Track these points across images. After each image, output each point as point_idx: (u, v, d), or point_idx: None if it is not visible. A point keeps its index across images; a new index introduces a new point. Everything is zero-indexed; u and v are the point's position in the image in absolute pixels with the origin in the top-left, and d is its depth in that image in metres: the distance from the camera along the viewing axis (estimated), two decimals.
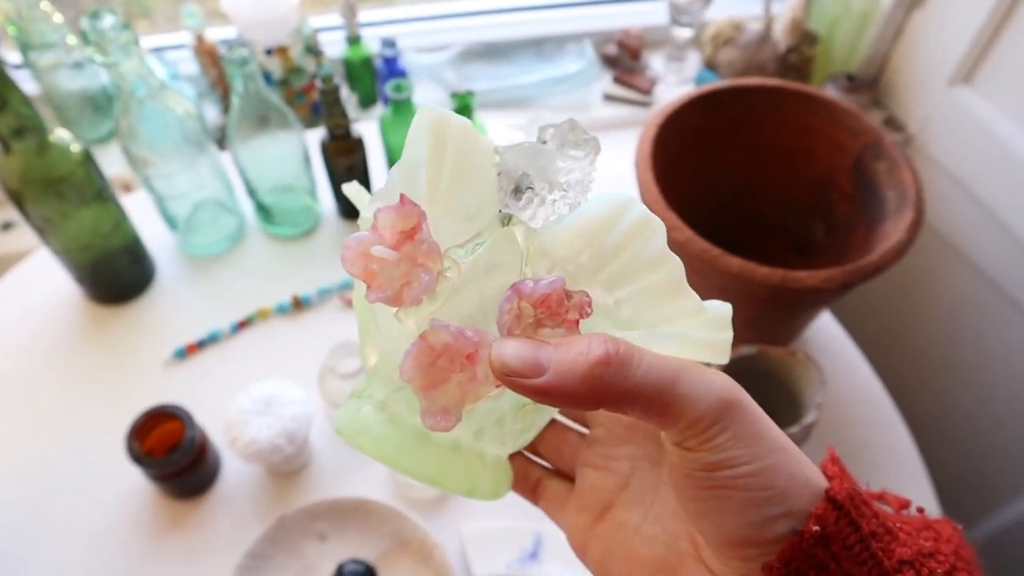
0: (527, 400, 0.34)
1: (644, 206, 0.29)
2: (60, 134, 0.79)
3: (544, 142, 0.29)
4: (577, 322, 0.29)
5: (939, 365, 1.39)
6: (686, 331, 0.31)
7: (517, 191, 0.29)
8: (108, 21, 0.75)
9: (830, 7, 1.19)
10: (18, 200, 0.80)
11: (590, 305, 0.29)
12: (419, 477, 0.35)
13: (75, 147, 0.80)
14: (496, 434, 0.36)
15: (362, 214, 0.32)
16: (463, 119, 0.30)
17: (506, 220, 0.30)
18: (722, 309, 0.32)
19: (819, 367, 0.71)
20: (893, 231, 0.72)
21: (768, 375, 0.75)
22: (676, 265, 0.30)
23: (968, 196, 1.15)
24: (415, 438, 0.35)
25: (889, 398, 0.88)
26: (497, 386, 0.28)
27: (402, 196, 0.28)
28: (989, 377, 1.27)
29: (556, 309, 0.28)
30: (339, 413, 0.35)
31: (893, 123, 1.24)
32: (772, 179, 0.88)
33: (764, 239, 0.91)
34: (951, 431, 1.42)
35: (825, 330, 0.92)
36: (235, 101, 0.84)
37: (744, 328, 0.79)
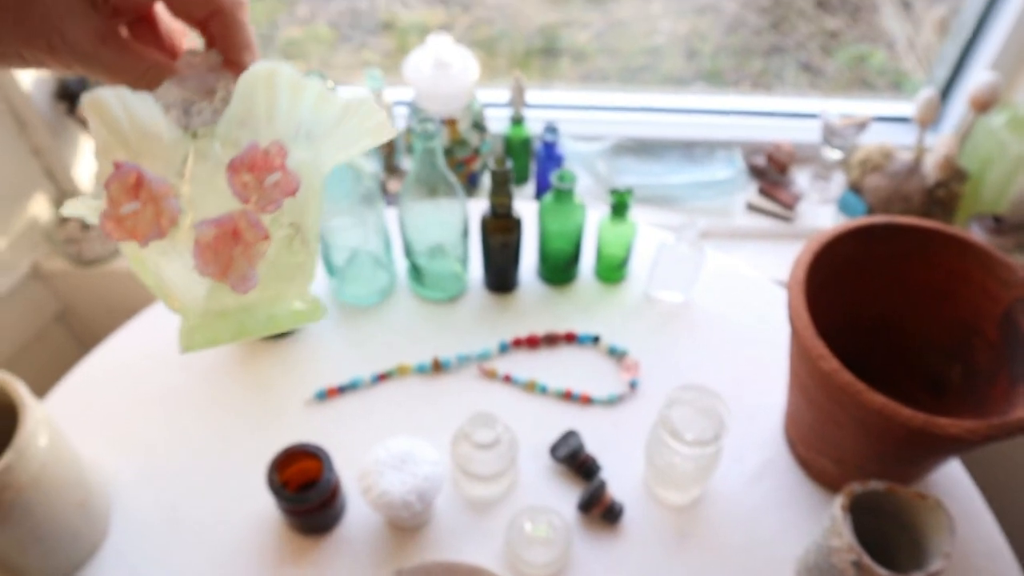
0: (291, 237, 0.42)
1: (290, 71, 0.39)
2: None
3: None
4: (283, 163, 0.38)
5: None
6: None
7: (186, 112, 0.39)
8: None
9: (984, 147, 1.20)
10: None
11: (284, 146, 0.38)
12: (252, 333, 0.42)
13: None
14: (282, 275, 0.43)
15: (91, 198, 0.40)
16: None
17: (193, 134, 0.39)
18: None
19: (950, 515, 0.71)
20: None
21: (893, 514, 0.75)
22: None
23: None
24: (230, 315, 0.42)
25: (1012, 555, 0.87)
26: (264, 239, 0.38)
27: (114, 163, 0.37)
28: None
29: (264, 163, 0.38)
30: (179, 341, 0.42)
31: None
32: (914, 316, 0.89)
33: (898, 373, 0.92)
34: None
35: (950, 475, 0.91)
36: (412, 167, 0.90)
37: (872, 462, 0.80)
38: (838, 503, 0.72)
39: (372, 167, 0.92)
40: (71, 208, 0.40)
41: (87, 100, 0.37)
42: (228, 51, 0.41)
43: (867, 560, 0.69)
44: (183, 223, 0.38)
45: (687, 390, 0.80)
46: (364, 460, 0.82)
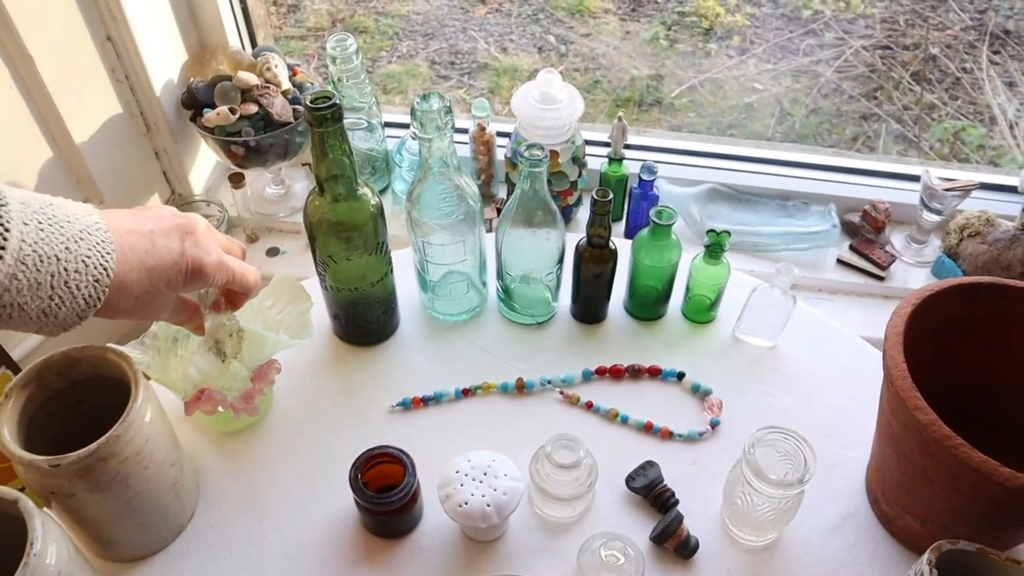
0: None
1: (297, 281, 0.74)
2: (364, 189, 0.90)
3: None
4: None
5: None
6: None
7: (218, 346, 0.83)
8: (435, 104, 0.86)
9: None
10: (312, 235, 0.91)
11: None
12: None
13: (374, 202, 0.91)
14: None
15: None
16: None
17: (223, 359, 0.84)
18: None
19: None
20: None
21: None
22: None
23: None
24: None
25: None
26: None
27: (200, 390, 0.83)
28: None
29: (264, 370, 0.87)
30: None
31: None
32: (1013, 383, 0.87)
33: (993, 443, 0.90)
34: None
35: None
36: (517, 193, 0.92)
37: (962, 523, 0.79)
38: (925, 559, 0.71)
39: (475, 189, 0.95)
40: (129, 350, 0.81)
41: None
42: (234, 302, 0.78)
43: None
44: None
45: (773, 431, 0.80)
46: (445, 468, 0.83)
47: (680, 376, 0.99)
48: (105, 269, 0.56)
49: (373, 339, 1.04)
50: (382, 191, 1.40)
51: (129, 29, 1.21)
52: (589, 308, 1.05)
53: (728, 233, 0.95)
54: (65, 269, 0.54)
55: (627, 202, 1.28)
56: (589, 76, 2.40)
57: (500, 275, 1.02)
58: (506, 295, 1.04)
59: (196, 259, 0.64)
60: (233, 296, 0.76)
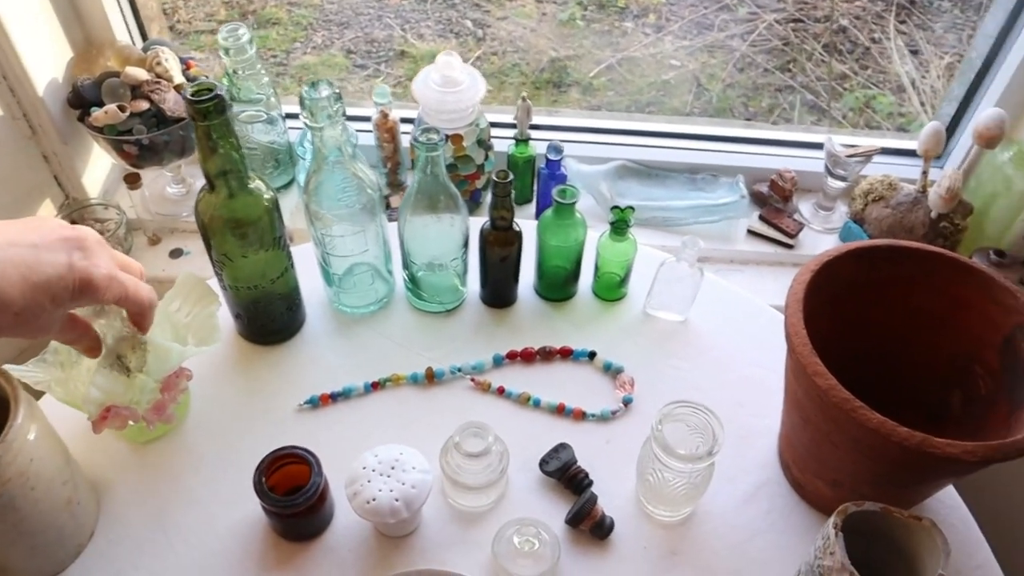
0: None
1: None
2: (257, 183, 0.87)
3: None
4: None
5: None
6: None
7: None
8: (324, 91, 0.83)
9: (989, 182, 1.20)
10: (206, 234, 0.88)
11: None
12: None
13: (267, 196, 0.87)
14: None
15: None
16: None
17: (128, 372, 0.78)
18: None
19: (945, 538, 0.70)
20: None
21: (887, 537, 0.74)
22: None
23: None
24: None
25: None
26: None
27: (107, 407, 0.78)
28: None
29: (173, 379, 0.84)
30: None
31: None
32: (915, 343, 0.88)
33: (896, 401, 0.91)
34: None
35: (945, 499, 0.90)
36: (414, 178, 0.90)
37: (867, 484, 0.79)
38: (831, 521, 0.71)
39: (373, 177, 0.92)
40: (18, 371, 0.77)
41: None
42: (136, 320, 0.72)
43: None
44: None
45: (681, 406, 0.79)
46: (352, 465, 0.81)
47: (591, 355, 0.98)
48: None
49: (278, 337, 1.01)
50: (287, 184, 1.36)
51: (2, 26, 1.15)
52: (498, 292, 1.03)
53: (632, 209, 0.94)
54: None
55: (536, 183, 1.26)
56: (507, 59, 2.38)
57: (405, 264, 1.00)
58: (413, 284, 1.02)
59: (84, 273, 0.61)
60: (132, 317, 0.71)
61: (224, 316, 0.98)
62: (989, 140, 1.13)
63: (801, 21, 2.40)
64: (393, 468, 0.80)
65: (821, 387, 0.71)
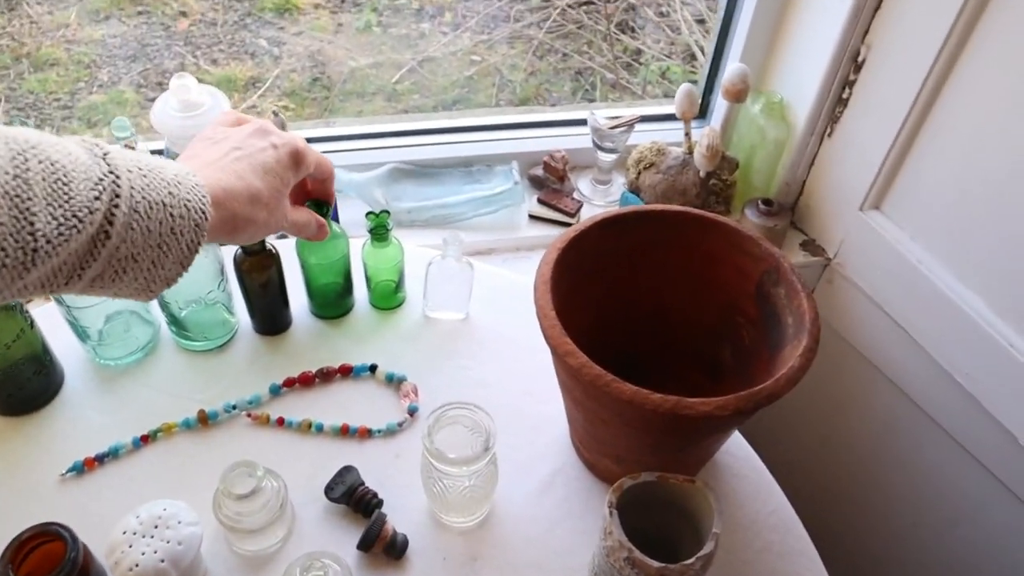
0: None
1: None
2: None
3: None
4: None
5: (858, 490, 1.38)
6: None
7: None
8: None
9: (747, 136, 1.24)
10: None
11: None
12: None
13: None
14: None
15: None
16: None
17: None
18: None
19: (716, 495, 0.70)
20: (790, 356, 0.73)
21: (671, 504, 0.74)
22: None
23: (885, 317, 1.17)
24: None
25: (800, 525, 0.87)
26: None
27: None
28: (910, 499, 1.27)
29: None
30: None
31: (812, 247, 1.27)
32: (683, 303, 0.89)
33: (679, 362, 0.92)
34: (864, 559, 1.41)
35: (737, 452, 0.91)
36: None
37: (647, 455, 0.79)
38: (607, 500, 0.70)
39: None
40: None
41: None
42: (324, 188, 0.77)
43: (638, 555, 0.67)
44: None
45: (451, 408, 0.77)
46: (112, 532, 0.75)
47: (372, 369, 0.95)
48: (203, 213, 0.54)
49: (31, 405, 0.92)
50: None
51: None
52: (268, 320, 0.98)
53: (388, 212, 0.91)
54: (171, 215, 0.52)
55: None
56: (307, 75, 2.32)
57: (162, 306, 0.93)
58: (176, 325, 0.95)
59: (289, 145, 0.65)
60: (319, 185, 0.76)
61: None
62: (736, 95, 1.16)
63: (592, 3, 2.45)
64: (156, 527, 0.75)
65: (573, 366, 0.70)
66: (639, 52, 2.46)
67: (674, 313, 0.91)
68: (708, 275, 0.86)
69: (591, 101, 2.36)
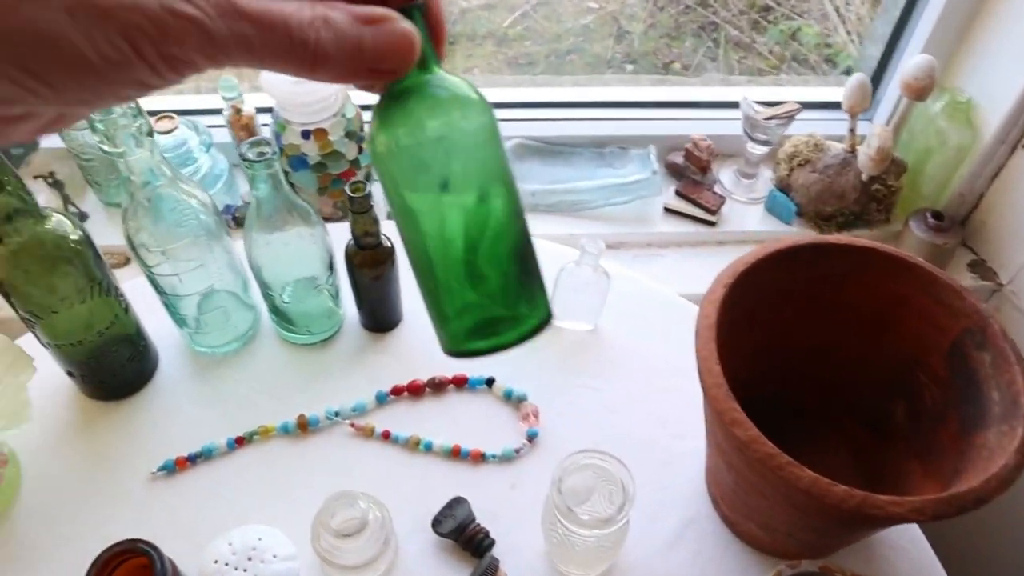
0: None
1: None
2: (58, 220, 0.71)
3: None
4: None
5: None
6: None
7: None
8: (118, 108, 0.67)
9: (922, 138, 1.08)
10: (4, 291, 0.72)
11: None
12: None
13: (74, 236, 0.72)
14: None
15: None
16: None
17: None
18: None
19: None
20: (998, 446, 0.61)
21: None
22: None
23: None
24: None
25: None
26: None
27: None
28: None
29: None
30: None
31: (982, 268, 1.12)
32: (851, 346, 0.77)
33: (837, 409, 0.80)
34: None
35: (903, 531, 0.79)
36: (253, 196, 0.75)
37: (804, 531, 0.68)
38: None
39: (201, 196, 0.77)
40: None
41: None
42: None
43: None
44: None
45: (584, 455, 0.67)
46: (202, 557, 0.68)
47: (490, 382, 0.86)
48: None
49: (124, 391, 0.86)
50: None
51: None
52: (377, 315, 0.89)
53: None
54: None
55: None
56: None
57: (265, 293, 0.85)
58: (277, 315, 0.87)
59: None
60: None
61: (54, 375, 0.83)
62: (919, 91, 1.00)
63: None
64: (250, 559, 0.68)
65: (742, 439, 0.59)
66: (767, 9, 2.27)
67: (839, 356, 0.78)
68: (890, 321, 0.74)
69: (713, 60, 2.20)
